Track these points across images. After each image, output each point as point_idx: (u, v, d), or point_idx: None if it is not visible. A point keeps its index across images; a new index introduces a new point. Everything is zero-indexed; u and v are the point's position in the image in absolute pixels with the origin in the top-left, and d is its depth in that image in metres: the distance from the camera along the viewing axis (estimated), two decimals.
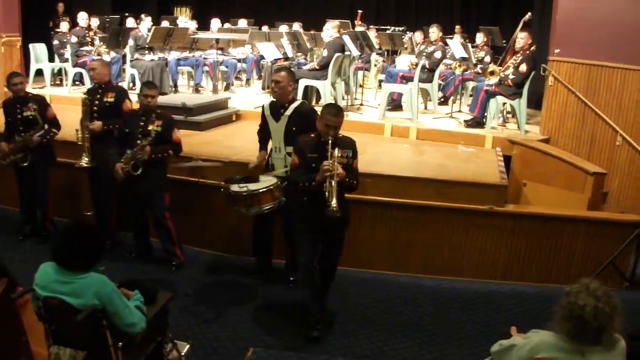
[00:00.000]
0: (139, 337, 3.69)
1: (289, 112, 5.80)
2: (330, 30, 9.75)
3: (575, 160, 7.95)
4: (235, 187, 5.38)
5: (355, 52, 9.88)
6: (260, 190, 5.33)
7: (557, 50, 8.69)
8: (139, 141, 6.08)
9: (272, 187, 5.38)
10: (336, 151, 4.80)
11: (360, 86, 11.36)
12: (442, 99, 11.23)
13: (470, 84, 10.73)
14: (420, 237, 6.65)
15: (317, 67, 9.64)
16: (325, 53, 9.56)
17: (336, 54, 9.46)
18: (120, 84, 10.85)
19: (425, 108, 10.80)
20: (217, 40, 10.99)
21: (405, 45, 12.69)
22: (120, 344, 3.52)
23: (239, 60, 12.35)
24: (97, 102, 6.65)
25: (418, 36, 12.72)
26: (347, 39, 9.79)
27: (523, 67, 8.77)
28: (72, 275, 3.44)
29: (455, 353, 5.21)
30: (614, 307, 2.96)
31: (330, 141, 4.80)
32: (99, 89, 6.73)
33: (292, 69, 9.97)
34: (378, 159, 7.25)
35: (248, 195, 5.30)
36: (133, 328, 3.56)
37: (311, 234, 5.11)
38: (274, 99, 5.96)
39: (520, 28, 9.38)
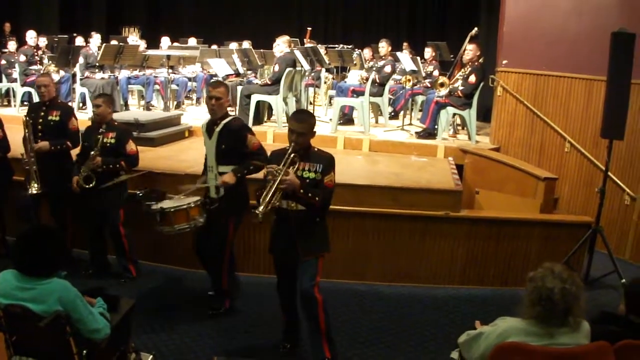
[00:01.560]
0: (104, 343, 3.60)
1: (219, 128, 5.48)
2: (281, 45, 9.78)
3: (526, 166, 8.12)
4: (156, 205, 5.25)
5: (306, 66, 9.94)
6: (172, 210, 5.19)
7: (504, 61, 8.90)
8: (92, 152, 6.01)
9: (185, 208, 5.22)
10: (292, 157, 4.52)
11: (311, 103, 11.39)
12: (393, 114, 11.35)
13: (420, 98, 10.85)
14: (378, 244, 6.68)
15: (269, 82, 9.65)
16: (276, 68, 9.57)
17: (288, 69, 9.50)
18: (70, 103, 10.71)
19: (377, 122, 10.89)
20: (168, 57, 10.93)
21: (354, 62, 12.82)
22: (84, 351, 3.42)
23: (189, 79, 12.29)
24: (40, 120, 6.40)
25: (367, 53, 12.87)
26: (298, 53, 9.84)
27: (472, 78, 8.94)
28: (33, 282, 3.35)
29: (418, 357, 5.22)
30: (578, 288, 3.05)
31: (291, 147, 4.55)
32: (43, 106, 6.48)
33: (244, 85, 10.03)
34: None
35: (158, 213, 5.20)
36: (97, 334, 3.48)
37: (281, 264, 4.91)
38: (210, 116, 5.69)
39: (467, 42, 9.57)
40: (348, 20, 18.43)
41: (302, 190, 4.47)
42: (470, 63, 9.15)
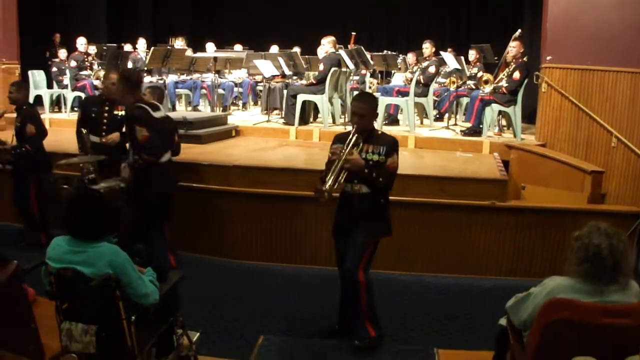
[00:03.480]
0: (152, 309, 3.63)
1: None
2: (326, 45, 9.89)
3: (573, 160, 8.05)
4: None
5: (351, 66, 10.05)
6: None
7: (548, 58, 8.85)
8: None
9: None
10: (355, 138, 4.58)
11: None
12: (438, 115, 11.37)
13: (465, 100, 10.84)
14: (424, 235, 6.71)
15: (314, 82, 9.79)
16: (321, 67, 9.70)
17: (333, 69, 9.61)
18: None
19: (421, 123, 10.93)
20: (215, 60, 11.15)
21: (399, 66, 12.89)
22: (133, 317, 3.47)
23: (235, 85, 12.47)
24: (106, 114, 6.62)
25: (410, 57, 12.93)
26: (343, 53, 9.97)
27: (516, 75, 8.94)
28: (85, 245, 3.42)
29: (468, 340, 5.20)
30: (625, 243, 3.07)
31: (354, 129, 4.62)
32: (107, 101, 6.66)
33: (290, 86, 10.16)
34: None
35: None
36: (146, 299, 3.53)
37: (343, 247, 4.88)
38: None
39: (511, 42, 9.57)
40: (392, 28, 18.48)
41: (366, 170, 4.53)
42: (514, 60, 9.14)
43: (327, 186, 4.42)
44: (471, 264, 6.74)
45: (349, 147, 4.53)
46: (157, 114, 5.59)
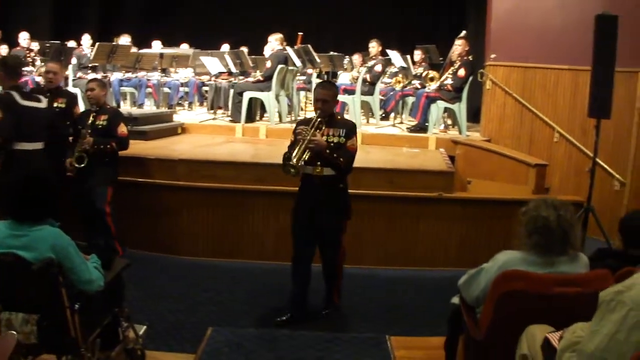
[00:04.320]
0: (97, 296, 3.48)
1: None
2: (273, 42, 9.88)
3: (517, 154, 8.23)
4: None
5: (298, 62, 10.03)
6: None
7: (493, 55, 9.04)
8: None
9: None
10: (318, 121, 4.90)
11: (302, 109, 11.44)
12: (383, 115, 11.40)
13: (410, 99, 10.92)
14: (373, 227, 6.73)
15: (261, 79, 9.74)
16: (269, 64, 9.67)
17: (280, 66, 9.58)
18: None
19: (367, 122, 10.97)
20: (162, 57, 10.99)
21: (345, 67, 12.91)
22: (76, 305, 3.32)
23: (181, 84, 12.31)
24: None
25: (356, 58, 12.96)
26: (290, 50, 9.94)
27: (462, 72, 9.08)
28: (26, 228, 3.28)
29: (417, 330, 5.24)
30: (572, 214, 3.13)
31: (317, 114, 4.95)
32: (47, 93, 6.48)
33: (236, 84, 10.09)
34: None
35: None
36: (90, 285, 3.40)
37: (303, 230, 5.12)
38: None
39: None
40: (338, 29, 18.50)
41: (328, 151, 4.82)
42: (459, 58, 9.26)
43: (294, 160, 4.71)
44: (419, 256, 6.80)
45: (313, 129, 4.84)
46: (25, 102, 5.59)
